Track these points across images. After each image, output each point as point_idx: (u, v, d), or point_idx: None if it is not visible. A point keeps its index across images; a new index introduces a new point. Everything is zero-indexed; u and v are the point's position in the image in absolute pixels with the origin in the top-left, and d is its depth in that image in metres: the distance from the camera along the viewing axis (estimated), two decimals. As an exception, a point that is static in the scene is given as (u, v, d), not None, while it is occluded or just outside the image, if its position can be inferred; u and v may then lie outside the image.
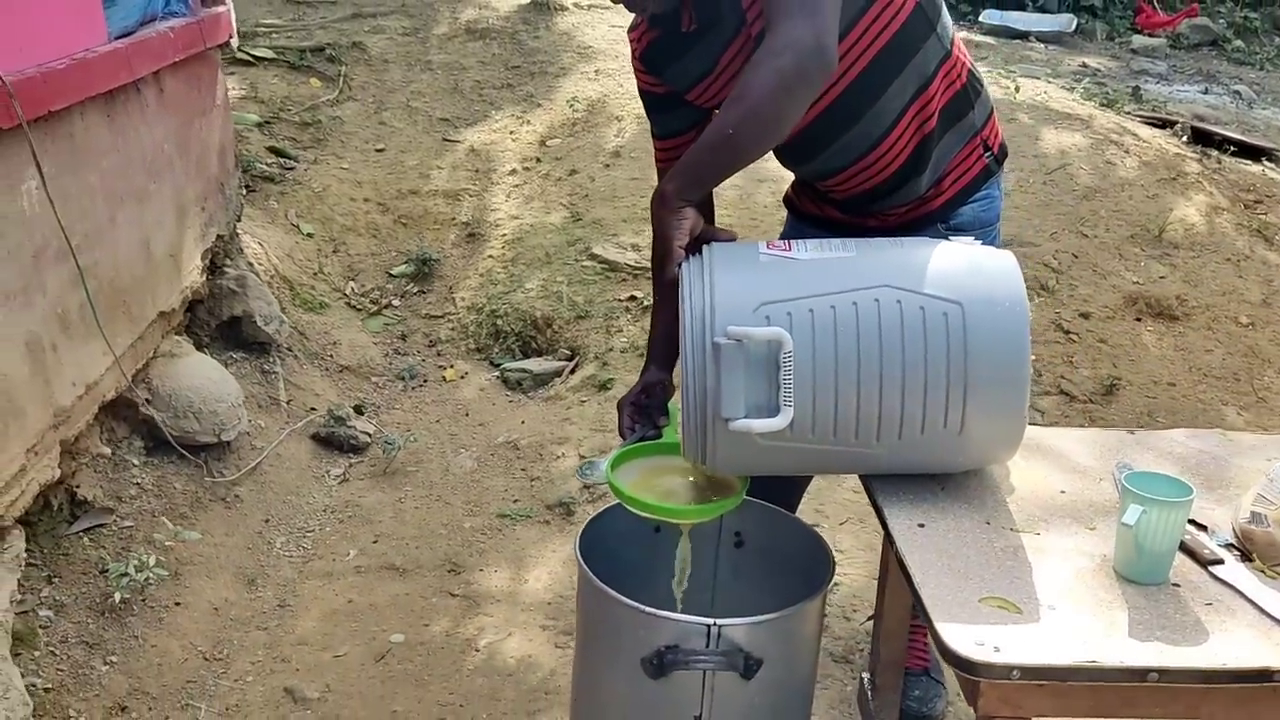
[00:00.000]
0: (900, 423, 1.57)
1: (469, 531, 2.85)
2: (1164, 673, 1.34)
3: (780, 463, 1.67)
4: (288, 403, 3.36)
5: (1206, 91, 6.89)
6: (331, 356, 3.72)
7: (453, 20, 5.68)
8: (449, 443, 3.32)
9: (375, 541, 2.80)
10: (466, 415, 3.50)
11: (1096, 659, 1.34)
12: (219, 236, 3.24)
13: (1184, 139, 4.86)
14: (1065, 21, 8.43)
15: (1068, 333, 3.68)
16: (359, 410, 3.42)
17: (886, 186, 1.87)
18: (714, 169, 1.63)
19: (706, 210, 1.98)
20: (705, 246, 1.64)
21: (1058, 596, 1.47)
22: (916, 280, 1.55)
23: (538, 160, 4.67)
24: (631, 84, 2.20)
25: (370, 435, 3.30)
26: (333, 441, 3.25)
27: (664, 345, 1.92)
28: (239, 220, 3.49)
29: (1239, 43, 8.59)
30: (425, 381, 3.74)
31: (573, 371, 3.68)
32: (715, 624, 1.72)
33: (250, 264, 3.58)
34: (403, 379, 3.72)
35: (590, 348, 3.72)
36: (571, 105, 4.97)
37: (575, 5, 5.93)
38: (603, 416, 3.35)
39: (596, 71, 5.22)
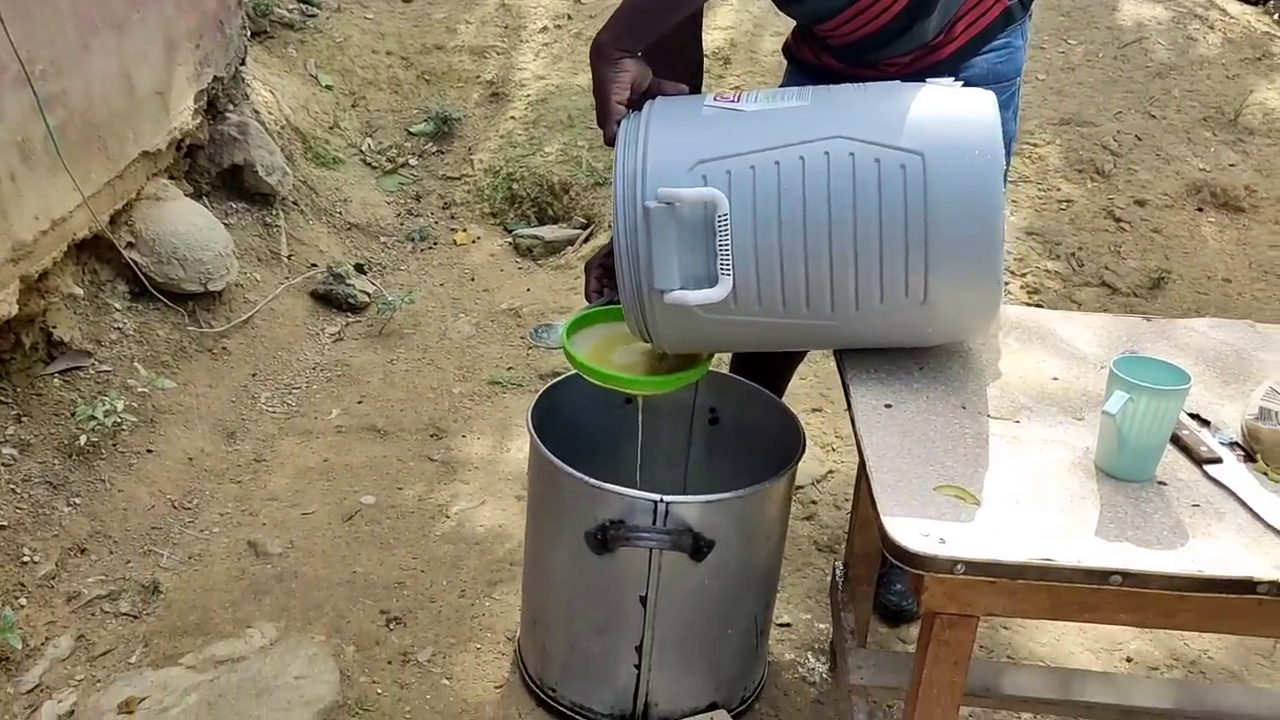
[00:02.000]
0: (855, 292, 1.40)
1: (457, 397, 2.76)
2: (1129, 576, 1.19)
3: (730, 338, 1.52)
4: (289, 257, 3.27)
5: (1316, -31, 6.27)
6: (340, 213, 3.60)
7: None
8: (450, 307, 3.22)
9: (360, 402, 2.73)
10: (472, 280, 3.38)
11: (1052, 557, 1.20)
12: (216, 78, 3.10)
13: (1276, 17, 4.41)
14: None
15: (1119, 220, 3.41)
16: (360, 269, 3.32)
17: (887, 32, 1.65)
18: (652, 14, 1.45)
19: (686, 62, 1.78)
20: (648, 102, 1.47)
21: (1024, 489, 1.32)
22: (874, 129, 1.35)
23: (569, 18, 4.41)
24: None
25: (370, 295, 3.20)
26: (331, 299, 3.17)
27: None
28: (243, 64, 3.34)
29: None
30: (435, 244, 3.62)
31: (586, 240, 3.53)
32: (663, 500, 1.61)
33: (256, 112, 3.45)
34: (412, 240, 3.60)
35: (605, 217, 3.55)
36: (610, -41, 4.67)
37: None
38: (609, 287, 3.21)
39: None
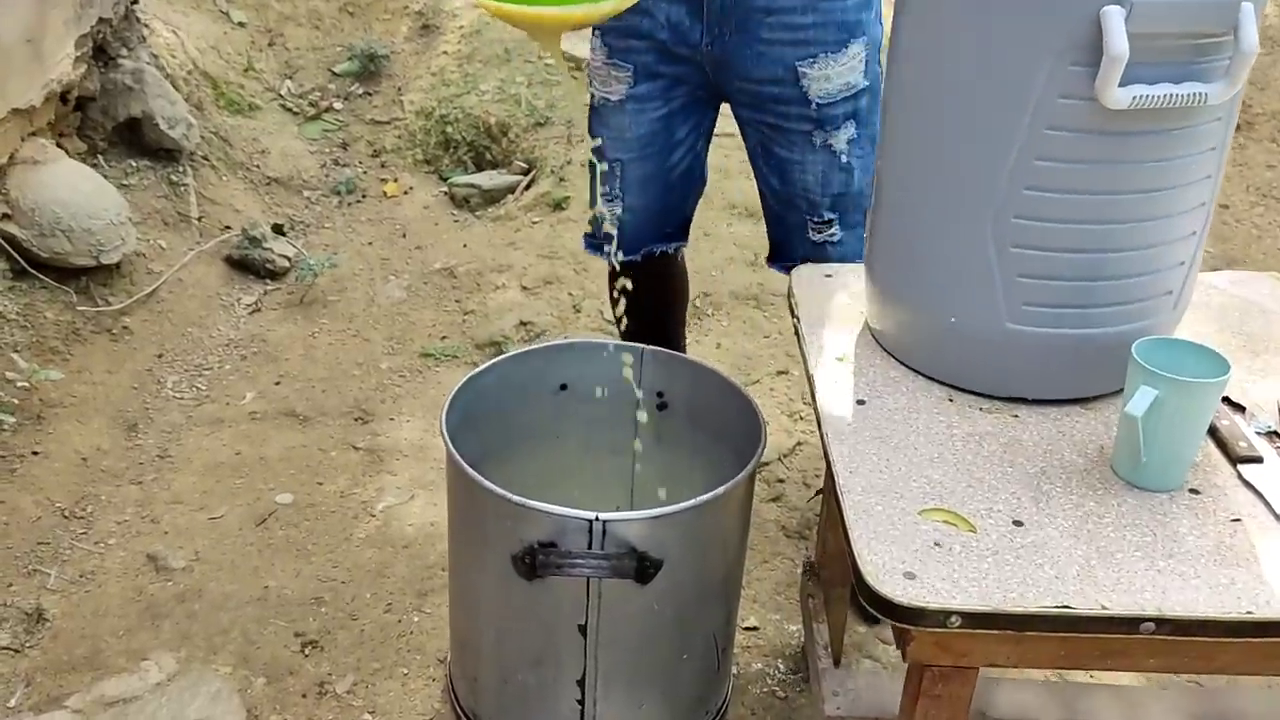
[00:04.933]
0: None
1: (385, 373, 2.49)
2: (1163, 623, 0.96)
3: None
4: (199, 220, 2.96)
5: None
6: (259, 167, 3.28)
7: None
8: (379, 268, 2.93)
9: (278, 383, 2.46)
10: (404, 236, 3.09)
11: (1069, 603, 0.97)
12: (102, 19, 2.75)
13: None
14: None
15: (1104, 145, 3.16)
16: (279, 230, 3.01)
17: None
18: None
19: None
20: None
21: (1027, 507, 1.08)
22: None
23: (504, -62, 4.04)
24: None
25: (290, 259, 2.90)
26: (247, 265, 2.87)
27: None
28: (135, 2, 2.99)
29: None
30: (364, 197, 3.31)
31: (527, 187, 3.23)
32: (599, 519, 1.36)
33: (155, 56, 3.10)
34: (339, 193, 3.29)
35: (548, 160, 3.25)
36: (547, -128, 4.28)
37: None
38: (553, 241, 2.93)
39: None
